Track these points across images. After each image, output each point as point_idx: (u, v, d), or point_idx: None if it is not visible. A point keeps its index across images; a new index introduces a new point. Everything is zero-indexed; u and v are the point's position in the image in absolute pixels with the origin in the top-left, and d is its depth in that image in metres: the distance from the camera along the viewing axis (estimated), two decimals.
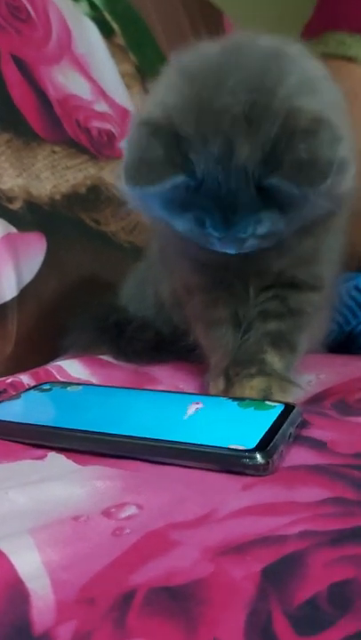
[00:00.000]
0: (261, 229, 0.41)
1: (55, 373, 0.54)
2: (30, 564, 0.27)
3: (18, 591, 0.26)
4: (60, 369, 0.54)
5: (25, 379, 0.51)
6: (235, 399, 0.44)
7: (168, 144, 0.39)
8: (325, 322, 0.63)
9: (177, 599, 0.24)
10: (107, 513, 0.31)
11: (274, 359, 0.49)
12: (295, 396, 0.47)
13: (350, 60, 0.74)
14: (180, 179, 0.39)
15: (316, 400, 0.47)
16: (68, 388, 0.48)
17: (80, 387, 0.48)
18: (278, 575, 0.26)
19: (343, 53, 0.74)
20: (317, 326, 0.56)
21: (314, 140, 0.38)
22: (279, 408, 0.41)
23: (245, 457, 0.35)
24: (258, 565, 0.26)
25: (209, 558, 0.27)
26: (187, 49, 0.45)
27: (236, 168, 0.39)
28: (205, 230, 0.42)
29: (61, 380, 0.52)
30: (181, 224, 0.43)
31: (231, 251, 0.43)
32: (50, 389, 0.47)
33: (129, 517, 0.31)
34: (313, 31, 0.79)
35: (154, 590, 0.25)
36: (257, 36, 0.45)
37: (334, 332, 0.69)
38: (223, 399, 0.44)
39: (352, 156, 0.43)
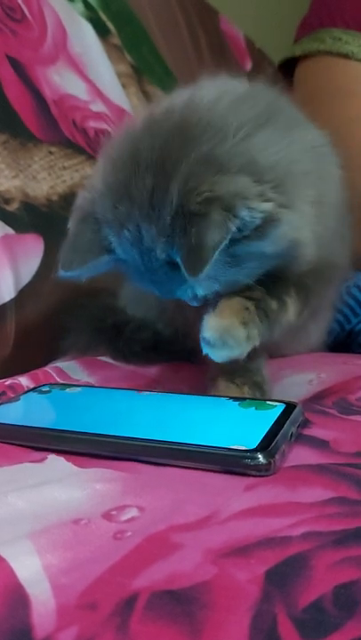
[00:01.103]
0: (201, 292, 0.43)
1: (54, 375, 0.53)
2: (30, 569, 0.27)
3: (18, 596, 0.25)
4: (60, 370, 0.54)
5: (24, 381, 0.51)
6: (236, 399, 0.43)
7: (94, 230, 0.44)
8: (327, 322, 0.63)
9: (180, 603, 0.24)
10: (107, 516, 0.31)
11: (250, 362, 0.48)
12: (269, 391, 0.48)
13: (346, 56, 0.74)
14: (104, 259, 0.44)
15: (317, 399, 0.47)
16: (68, 390, 0.47)
17: (79, 388, 0.48)
18: (282, 577, 0.25)
19: (338, 50, 0.74)
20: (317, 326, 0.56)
21: (203, 223, 0.38)
22: (280, 407, 0.40)
23: (247, 457, 0.35)
24: (262, 568, 0.26)
25: (212, 561, 0.27)
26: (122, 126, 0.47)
27: (147, 250, 0.41)
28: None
29: (60, 381, 0.52)
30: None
31: (195, 304, 0.45)
32: (49, 391, 0.47)
33: (130, 520, 0.30)
34: (309, 28, 0.79)
35: (156, 594, 0.25)
36: (206, 85, 0.46)
37: (335, 330, 0.69)
38: (224, 399, 0.44)
39: (302, 197, 0.43)
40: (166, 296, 0.45)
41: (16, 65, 0.71)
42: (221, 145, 0.41)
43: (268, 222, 0.40)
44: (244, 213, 0.38)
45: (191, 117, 0.42)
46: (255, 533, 0.28)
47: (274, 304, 0.46)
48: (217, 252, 0.38)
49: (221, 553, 0.27)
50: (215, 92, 0.45)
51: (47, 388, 0.48)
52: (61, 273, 0.44)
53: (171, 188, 0.40)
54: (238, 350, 0.43)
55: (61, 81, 0.76)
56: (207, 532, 0.29)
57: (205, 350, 0.43)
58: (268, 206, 0.39)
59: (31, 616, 0.24)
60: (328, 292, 0.55)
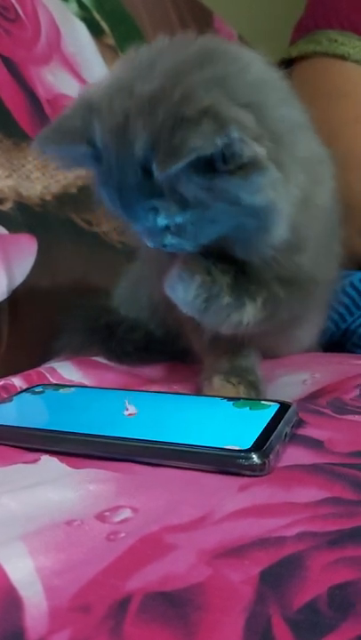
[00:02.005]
0: (161, 220, 0.41)
1: (48, 375, 0.53)
2: (23, 571, 0.26)
3: (11, 598, 0.25)
4: (53, 371, 0.54)
5: (17, 381, 0.51)
6: (230, 399, 0.43)
7: (84, 116, 0.42)
8: (318, 326, 0.63)
9: (174, 605, 0.24)
10: (101, 517, 0.31)
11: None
12: (263, 390, 0.48)
13: (342, 58, 0.74)
14: (82, 147, 0.42)
15: (311, 398, 0.47)
16: (61, 391, 0.47)
17: (73, 389, 0.48)
18: (277, 578, 0.25)
19: (334, 51, 0.74)
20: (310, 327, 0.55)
21: (191, 128, 0.37)
22: (275, 407, 0.40)
23: (241, 457, 0.35)
24: (256, 568, 0.26)
25: (206, 562, 0.26)
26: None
27: (126, 144, 0.40)
28: (117, 212, 0.43)
29: (54, 382, 0.52)
30: (105, 203, 0.44)
31: (153, 245, 0.44)
32: (42, 392, 0.47)
33: (123, 521, 0.30)
34: (304, 29, 0.79)
35: (150, 596, 0.24)
36: (229, 43, 0.46)
37: (330, 329, 0.69)
38: (218, 399, 0.44)
39: (305, 165, 0.43)
40: (128, 217, 0.43)
41: (10, 64, 0.70)
42: (237, 77, 0.41)
43: (254, 166, 0.39)
44: (235, 137, 0.37)
45: (215, 44, 0.43)
46: (249, 534, 0.28)
47: (227, 298, 0.45)
48: (192, 157, 0.37)
49: (215, 554, 0.27)
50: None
51: (40, 389, 0.47)
52: (33, 144, 0.43)
53: (175, 92, 0.39)
54: (192, 290, 0.44)
55: (55, 80, 0.75)
56: (201, 533, 0.29)
57: (167, 291, 0.45)
58: (259, 150, 0.39)
59: (24, 619, 0.24)
60: (307, 305, 0.54)
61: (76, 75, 0.79)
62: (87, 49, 0.82)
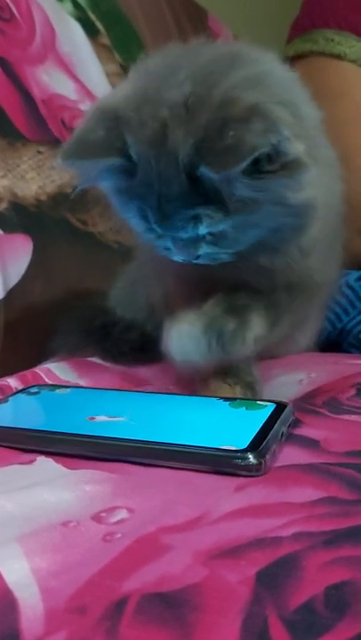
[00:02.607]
0: (203, 229, 0.40)
1: (43, 376, 0.53)
2: (18, 572, 0.26)
3: (6, 600, 0.25)
4: (49, 371, 0.54)
5: (12, 382, 0.50)
6: (226, 399, 0.43)
7: (110, 127, 0.40)
8: (315, 328, 0.63)
9: (170, 606, 0.24)
10: (97, 518, 0.31)
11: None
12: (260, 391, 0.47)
13: (338, 57, 0.74)
14: (114, 160, 0.40)
15: (307, 398, 0.47)
16: (57, 391, 0.47)
17: (69, 389, 0.48)
18: (273, 579, 0.25)
19: (331, 51, 0.74)
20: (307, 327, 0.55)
21: (244, 127, 0.36)
22: (271, 407, 0.40)
23: (237, 457, 0.34)
24: (252, 569, 0.26)
25: (202, 562, 0.26)
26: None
27: (167, 153, 0.38)
28: (149, 225, 0.41)
29: (49, 382, 0.52)
30: (131, 218, 0.42)
31: (184, 258, 0.42)
32: (38, 392, 0.47)
33: (119, 522, 0.30)
34: (301, 28, 0.79)
35: (147, 597, 0.24)
36: (246, 45, 0.45)
37: (326, 329, 0.69)
38: (214, 400, 0.44)
39: (324, 165, 0.43)
40: (165, 229, 0.41)
41: (4, 64, 0.70)
42: (269, 77, 0.41)
43: (298, 165, 0.38)
44: (285, 135, 0.36)
45: (242, 51, 0.43)
46: (246, 534, 0.28)
47: (232, 322, 0.44)
48: (254, 155, 0.36)
49: (212, 554, 0.27)
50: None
51: (36, 389, 0.47)
52: (59, 161, 0.40)
53: (213, 94, 0.38)
54: (202, 339, 0.42)
55: (50, 80, 0.75)
56: (197, 534, 0.29)
57: (178, 358, 0.42)
58: (302, 147, 0.38)
59: (19, 621, 0.24)
60: (309, 308, 0.53)
61: (71, 75, 0.79)
62: (82, 49, 0.82)
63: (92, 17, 0.86)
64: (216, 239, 0.41)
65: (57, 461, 0.37)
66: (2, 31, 0.71)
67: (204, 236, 0.41)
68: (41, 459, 0.38)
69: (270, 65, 0.43)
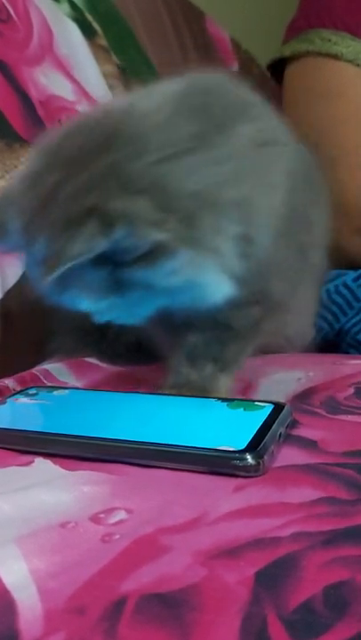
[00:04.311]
0: (86, 306, 0.40)
1: (42, 377, 0.53)
2: (17, 574, 0.26)
3: (5, 601, 0.25)
4: (47, 372, 0.54)
5: (10, 383, 0.50)
6: (224, 400, 0.43)
7: (2, 211, 0.41)
8: (309, 324, 0.62)
9: (169, 606, 0.24)
10: (95, 519, 0.31)
11: (189, 371, 0.47)
12: None
13: (335, 57, 0.74)
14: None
15: (305, 397, 0.47)
16: (55, 393, 0.47)
17: (67, 391, 0.48)
18: (272, 579, 0.25)
19: (327, 51, 0.75)
20: (262, 334, 0.52)
21: (75, 232, 0.36)
22: (269, 408, 0.40)
23: (236, 458, 0.34)
24: (251, 569, 0.26)
25: (201, 563, 0.26)
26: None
27: (31, 247, 0.39)
28: None
29: (48, 383, 0.52)
30: None
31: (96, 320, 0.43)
32: (36, 394, 0.47)
33: (118, 523, 0.30)
34: (297, 29, 0.79)
35: (145, 597, 0.24)
36: (157, 90, 0.44)
37: (324, 329, 0.69)
38: (212, 400, 0.44)
39: (222, 237, 0.39)
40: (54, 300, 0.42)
41: (2, 66, 0.70)
42: (134, 162, 0.38)
43: (160, 252, 0.37)
44: (120, 235, 0.36)
45: (119, 125, 0.40)
46: (244, 535, 0.28)
47: (209, 365, 0.45)
48: (71, 264, 0.35)
49: (210, 555, 0.27)
50: (159, 101, 0.42)
51: (34, 391, 0.47)
52: None
53: (67, 187, 0.38)
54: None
55: (48, 82, 0.75)
56: (196, 534, 0.29)
57: None
58: (160, 236, 0.37)
59: (18, 622, 0.24)
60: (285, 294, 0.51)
61: (69, 76, 0.79)
62: (79, 50, 0.82)
63: (89, 18, 0.87)
64: (105, 311, 0.41)
65: (55, 463, 0.37)
66: None
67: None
68: (39, 460, 0.38)
69: (157, 126, 0.39)
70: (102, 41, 0.87)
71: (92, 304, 0.40)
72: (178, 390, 0.46)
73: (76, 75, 0.80)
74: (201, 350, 0.47)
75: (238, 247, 0.41)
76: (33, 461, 0.38)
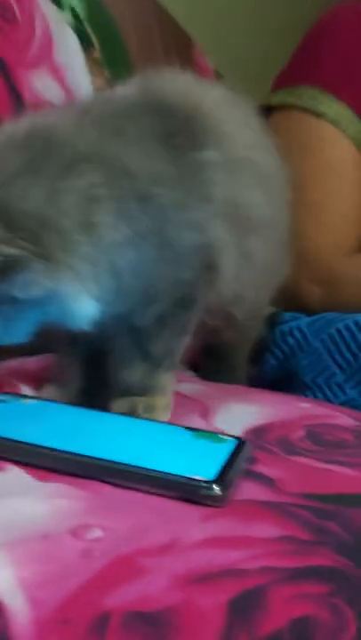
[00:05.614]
0: None
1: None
2: (6, 580, 0.27)
3: None
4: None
5: None
6: (188, 429, 0.45)
7: None
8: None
9: (153, 625, 0.26)
10: (73, 533, 0.32)
11: (126, 374, 0.49)
12: (162, 416, 0.50)
13: (318, 115, 0.79)
14: None
15: (260, 433, 0.49)
16: (25, 401, 0.48)
17: (36, 401, 0.49)
18: (243, 608, 0.27)
19: (313, 108, 0.80)
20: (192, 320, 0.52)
21: None
22: (233, 442, 0.43)
23: (205, 487, 0.37)
24: (224, 596, 0.28)
25: (178, 587, 0.28)
26: None
27: None
28: None
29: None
30: None
31: None
32: (4, 401, 0.47)
33: (96, 540, 0.32)
34: (287, 81, 0.84)
35: (129, 614, 0.26)
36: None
37: (274, 367, 0.73)
38: (178, 427, 0.46)
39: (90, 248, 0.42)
40: None
41: (1, 64, 0.70)
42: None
43: (13, 266, 0.40)
44: None
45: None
46: (216, 563, 0.30)
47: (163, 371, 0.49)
48: None
49: (186, 580, 0.29)
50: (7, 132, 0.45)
51: (2, 398, 0.48)
52: None
53: None
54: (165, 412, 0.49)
55: (41, 87, 0.76)
56: (171, 559, 0.30)
57: None
58: (9, 250, 0.39)
59: (9, 626, 0.25)
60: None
61: (63, 84, 0.80)
62: (76, 60, 0.83)
63: (89, 30, 0.88)
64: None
65: (28, 473, 0.38)
66: (2, 31, 0.72)
67: None
68: (10, 467, 0.39)
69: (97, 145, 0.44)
70: (97, 54, 0.89)
71: None
72: (127, 398, 0.48)
73: (69, 84, 0.81)
74: (128, 352, 0.49)
75: (94, 268, 0.43)
76: (5, 467, 0.38)
